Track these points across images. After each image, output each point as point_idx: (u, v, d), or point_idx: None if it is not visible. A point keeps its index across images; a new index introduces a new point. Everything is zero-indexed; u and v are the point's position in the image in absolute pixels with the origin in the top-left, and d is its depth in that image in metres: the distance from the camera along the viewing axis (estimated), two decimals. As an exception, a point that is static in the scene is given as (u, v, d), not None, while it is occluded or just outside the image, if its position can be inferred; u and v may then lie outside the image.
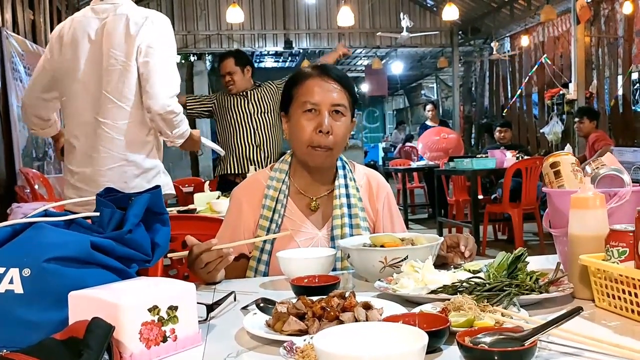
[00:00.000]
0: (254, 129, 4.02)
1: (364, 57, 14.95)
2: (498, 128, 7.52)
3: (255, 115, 4.01)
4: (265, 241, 1.65)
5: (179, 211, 2.87)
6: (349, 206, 1.70)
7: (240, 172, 3.98)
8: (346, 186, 1.72)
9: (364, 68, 15.22)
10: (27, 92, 2.61)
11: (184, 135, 2.48)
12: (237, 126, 4.02)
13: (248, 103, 4.02)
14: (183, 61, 12.64)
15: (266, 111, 4.03)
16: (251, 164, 3.97)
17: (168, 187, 2.53)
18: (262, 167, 3.81)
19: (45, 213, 1.11)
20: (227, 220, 1.74)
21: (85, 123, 2.41)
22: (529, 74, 10.27)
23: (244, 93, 4.04)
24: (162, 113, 2.32)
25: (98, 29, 2.39)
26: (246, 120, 4.02)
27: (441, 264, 1.52)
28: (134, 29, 2.34)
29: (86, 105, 2.40)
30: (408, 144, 11.42)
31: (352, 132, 1.80)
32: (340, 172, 1.73)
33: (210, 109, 4.21)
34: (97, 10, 2.44)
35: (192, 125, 3.78)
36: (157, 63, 2.34)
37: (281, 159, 1.78)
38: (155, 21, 2.40)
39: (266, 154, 4.04)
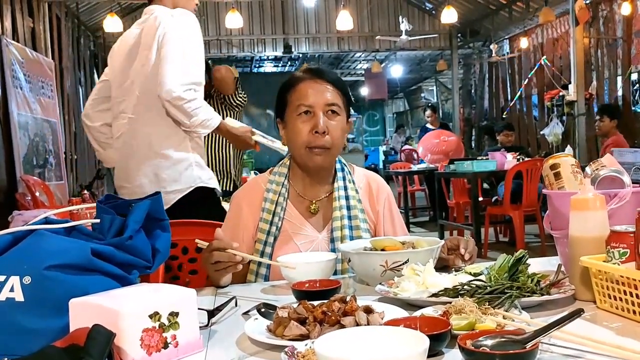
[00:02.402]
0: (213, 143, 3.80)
1: (363, 60, 14.96)
2: (504, 131, 7.51)
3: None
4: (265, 244, 1.66)
5: (179, 217, 2.86)
6: (349, 208, 1.70)
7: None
8: (345, 188, 1.72)
9: (363, 72, 15.23)
10: (85, 108, 2.70)
11: (207, 125, 2.40)
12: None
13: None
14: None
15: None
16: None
17: (200, 181, 2.46)
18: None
19: (46, 220, 1.11)
20: (227, 223, 1.75)
21: (122, 124, 2.49)
22: (529, 76, 10.27)
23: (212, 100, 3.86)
24: (169, 99, 2.29)
25: (136, 36, 2.49)
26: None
27: (442, 266, 1.52)
28: (156, 26, 2.39)
29: (122, 106, 2.49)
30: (407, 146, 11.42)
31: (350, 134, 1.81)
32: (339, 174, 1.74)
33: None
34: (139, 22, 2.55)
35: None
36: (170, 51, 2.32)
37: (280, 162, 1.79)
38: (176, 15, 2.41)
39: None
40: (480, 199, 6.46)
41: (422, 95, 19.48)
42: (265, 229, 1.67)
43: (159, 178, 2.40)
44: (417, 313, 1.08)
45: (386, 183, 1.87)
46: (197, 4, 2.61)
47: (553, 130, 8.86)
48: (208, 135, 3.68)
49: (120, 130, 2.52)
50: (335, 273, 1.57)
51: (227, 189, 3.82)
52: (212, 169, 3.67)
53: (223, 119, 3.58)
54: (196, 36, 2.42)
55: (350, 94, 1.79)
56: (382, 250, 1.46)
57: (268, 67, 15.35)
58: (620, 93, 8.08)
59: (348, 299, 1.08)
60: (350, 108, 1.77)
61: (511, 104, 11.00)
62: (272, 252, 1.65)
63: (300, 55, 12.65)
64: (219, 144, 3.80)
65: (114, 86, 2.56)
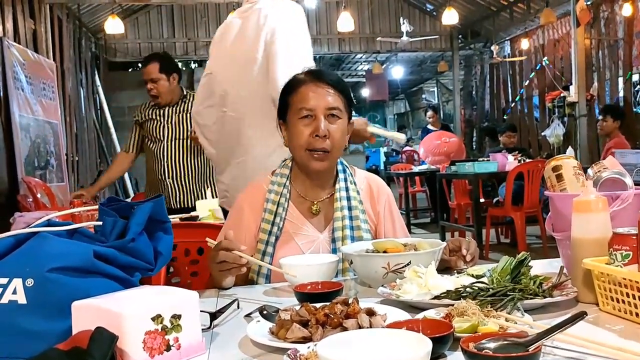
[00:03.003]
0: (171, 155, 3.59)
1: (364, 62, 14.96)
2: (507, 132, 7.52)
3: (175, 140, 3.58)
4: (267, 244, 1.66)
5: (181, 219, 2.87)
6: (350, 208, 1.71)
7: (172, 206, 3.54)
8: (347, 189, 1.73)
9: (364, 73, 15.24)
10: (194, 104, 2.60)
11: None
12: (158, 150, 3.60)
13: (167, 120, 3.59)
14: (184, 68, 12.68)
15: (188, 134, 3.56)
16: (176, 200, 3.58)
17: None
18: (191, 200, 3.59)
19: (48, 223, 1.11)
20: (229, 224, 1.76)
21: (220, 117, 2.38)
22: (530, 77, 10.27)
23: (169, 108, 3.62)
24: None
25: (238, 28, 2.36)
26: (166, 144, 3.59)
27: (444, 268, 1.52)
28: (262, 20, 2.24)
29: (222, 100, 2.37)
30: (408, 147, 11.43)
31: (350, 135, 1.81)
32: (341, 175, 1.75)
33: (141, 132, 3.74)
34: (240, 11, 2.41)
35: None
36: (279, 48, 2.17)
37: (282, 164, 1.79)
38: (283, 8, 2.27)
39: (190, 187, 3.62)
40: (482, 200, 6.45)
41: (423, 96, 19.49)
42: (267, 229, 1.68)
43: (249, 180, 2.33)
44: (420, 315, 1.08)
45: (387, 185, 1.88)
46: None
47: (554, 132, 8.86)
48: (170, 145, 3.56)
49: (219, 123, 2.41)
50: (336, 274, 1.57)
51: (186, 205, 3.60)
52: (169, 182, 3.56)
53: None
54: (304, 29, 2.27)
55: (352, 95, 1.79)
56: (384, 252, 1.46)
57: (269, 69, 15.32)
58: (621, 94, 8.08)
59: (350, 301, 1.08)
60: (352, 109, 1.78)
61: (512, 105, 11.00)
62: (274, 252, 1.66)
63: (301, 57, 12.62)
64: (182, 154, 3.60)
65: (215, 79, 2.43)
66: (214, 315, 1.18)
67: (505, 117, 11.06)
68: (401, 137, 2.75)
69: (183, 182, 3.60)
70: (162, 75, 3.57)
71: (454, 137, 8.87)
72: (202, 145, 2.62)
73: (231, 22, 2.42)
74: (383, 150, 19.02)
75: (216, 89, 2.41)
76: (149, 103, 3.70)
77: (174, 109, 3.63)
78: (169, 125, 3.59)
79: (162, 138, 3.59)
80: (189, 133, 3.55)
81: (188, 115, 3.57)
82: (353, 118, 2.39)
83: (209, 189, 3.69)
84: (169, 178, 3.58)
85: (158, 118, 3.62)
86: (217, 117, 2.41)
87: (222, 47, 2.42)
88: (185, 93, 3.69)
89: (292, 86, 1.72)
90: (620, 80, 8.10)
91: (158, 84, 3.57)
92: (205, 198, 3.55)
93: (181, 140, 3.59)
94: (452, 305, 1.08)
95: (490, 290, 1.16)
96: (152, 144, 3.65)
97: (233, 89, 2.32)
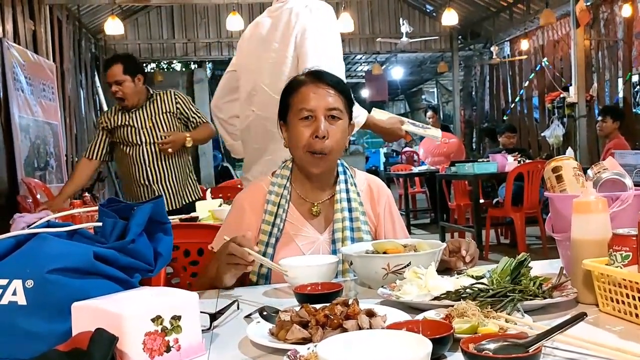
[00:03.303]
0: (153, 158, 3.53)
1: (364, 62, 14.97)
2: (506, 133, 7.52)
3: (153, 144, 3.51)
4: (267, 245, 1.66)
5: (181, 219, 2.87)
6: (350, 210, 1.71)
7: None
8: (347, 191, 1.73)
9: (364, 74, 15.25)
10: (214, 98, 2.60)
11: (356, 123, 2.18)
12: (137, 155, 3.53)
13: (141, 125, 3.51)
14: (184, 69, 12.69)
15: (162, 130, 3.52)
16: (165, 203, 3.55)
17: None
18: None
19: (48, 224, 1.11)
20: (228, 223, 1.75)
21: (247, 117, 2.38)
22: (529, 78, 10.28)
23: (138, 111, 3.54)
24: None
25: (268, 28, 2.35)
26: (145, 149, 3.52)
27: (444, 268, 1.52)
28: (293, 20, 2.23)
29: (248, 99, 2.35)
30: (408, 148, 11.43)
31: (351, 137, 1.81)
32: (342, 177, 1.75)
33: (109, 138, 3.63)
34: (271, 10, 2.40)
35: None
36: (309, 48, 2.17)
37: (282, 165, 1.79)
38: (314, 8, 2.25)
39: (172, 190, 3.58)
40: (481, 201, 6.46)
41: (423, 97, 19.50)
42: (267, 230, 1.68)
43: None
44: (420, 316, 1.08)
45: (387, 186, 1.88)
46: None
47: (554, 132, 8.87)
48: (148, 149, 3.48)
49: (245, 122, 2.40)
50: (336, 275, 1.57)
51: (173, 206, 3.57)
52: (155, 186, 3.51)
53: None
54: (335, 30, 2.27)
55: (353, 95, 1.79)
56: (384, 253, 1.46)
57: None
58: (621, 95, 8.09)
59: (350, 302, 1.08)
60: (353, 109, 1.77)
61: (512, 106, 11.00)
62: (274, 253, 1.66)
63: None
64: (163, 156, 3.53)
65: (241, 77, 2.42)
66: (213, 316, 1.18)
67: (505, 118, 11.07)
68: (438, 135, 2.68)
69: (168, 184, 3.55)
70: (126, 77, 3.47)
71: (454, 137, 8.87)
72: (222, 137, 2.64)
73: (261, 21, 2.42)
74: (383, 151, 19.04)
75: (242, 86, 2.41)
76: (116, 108, 3.61)
77: (144, 111, 3.54)
78: (145, 130, 3.51)
79: (139, 142, 3.52)
80: (165, 134, 3.50)
81: (161, 115, 3.53)
82: (388, 115, 2.40)
83: (209, 189, 3.68)
84: (154, 183, 3.52)
85: (131, 123, 3.52)
86: (244, 116, 2.40)
87: (251, 46, 2.41)
88: (152, 93, 3.60)
89: (293, 87, 1.72)
90: (620, 81, 8.10)
91: (123, 85, 3.47)
92: (204, 199, 3.54)
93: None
94: (452, 306, 1.08)
95: (490, 291, 1.16)
96: (128, 149, 3.55)
97: (262, 88, 2.31)
